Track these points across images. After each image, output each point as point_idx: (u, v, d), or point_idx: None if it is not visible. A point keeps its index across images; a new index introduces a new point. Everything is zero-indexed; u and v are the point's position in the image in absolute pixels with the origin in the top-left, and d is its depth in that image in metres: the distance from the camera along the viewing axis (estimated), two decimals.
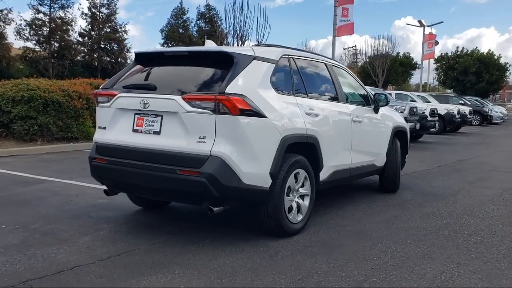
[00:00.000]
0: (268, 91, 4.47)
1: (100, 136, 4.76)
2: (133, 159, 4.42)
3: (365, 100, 6.45)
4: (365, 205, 6.25)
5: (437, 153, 13.16)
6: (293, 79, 4.97)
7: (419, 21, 39.01)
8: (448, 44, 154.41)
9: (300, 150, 4.73)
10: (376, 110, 6.50)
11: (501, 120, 34.86)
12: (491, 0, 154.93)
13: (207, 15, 47.58)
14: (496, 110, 35.30)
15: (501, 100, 65.03)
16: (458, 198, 6.91)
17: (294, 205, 4.74)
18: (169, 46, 44.49)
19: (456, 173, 9.50)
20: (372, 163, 6.41)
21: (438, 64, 44.33)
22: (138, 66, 4.95)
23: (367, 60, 39.12)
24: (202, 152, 4.10)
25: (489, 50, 43.22)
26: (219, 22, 46.21)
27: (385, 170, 6.82)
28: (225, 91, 4.08)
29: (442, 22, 38.15)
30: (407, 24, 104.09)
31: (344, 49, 69.71)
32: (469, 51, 43.44)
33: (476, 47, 44.04)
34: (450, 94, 34.74)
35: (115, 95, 4.61)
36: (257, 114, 4.23)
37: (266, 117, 4.30)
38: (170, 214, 5.62)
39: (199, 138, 4.13)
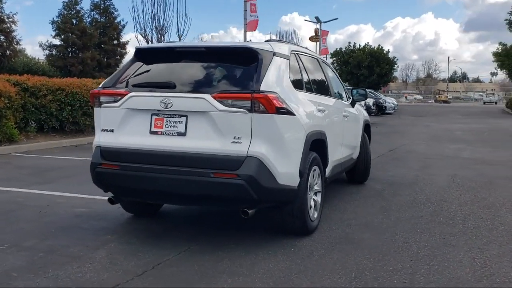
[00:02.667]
0: (290, 88, 4.38)
1: (105, 140, 4.34)
2: (153, 164, 4.09)
3: (345, 95, 6.57)
4: (349, 197, 6.38)
5: None
6: (302, 75, 4.91)
7: (316, 17, 40.44)
8: (330, 40, 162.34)
9: (313, 147, 4.70)
10: (353, 105, 6.66)
11: (393, 110, 37.49)
12: None
13: (102, 6, 45.27)
14: (389, 101, 37.94)
15: (381, 91, 69.85)
16: (421, 186, 7.30)
17: (312, 202, 4.71)
18: (62, 38, 41.73)
19: (398, 162, 10.05)
20: (351, 157, 6.56)
21: (334, 58, 46.49)
22: (139, 63, 4.57)
23: None
24: (239, 153, 3.91)
25: (379, 45, 46.26)
26: (115, 14, 44.35)
27: (357, 163, 7.01)
28: (260, 89, 3.93)
29: (337, 18, 40.31)
30: (304, 20, 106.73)
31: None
32: (361, 46, 46.13)
33: (368, 43, 46.68)
34: (349, 87, 36.61)
35: (125, 94, 4.23)
36: (288, 112, 4.13)
37: (294, 114, 4.21)
38: (166, 219, 5.31)
39: (234, 138, 3.93)
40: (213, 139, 3.98)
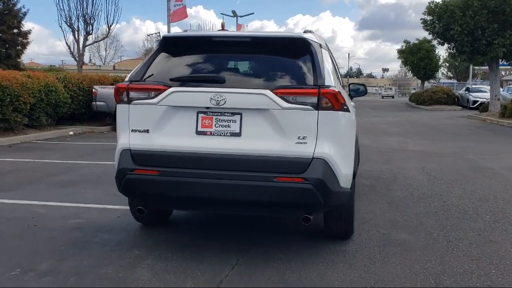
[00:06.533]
0: (338, 82, 4.08)
1: (138, 142, 3.74)
2: (202, 168, 3.60)
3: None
4: None
5: None
6: (334, 68, 4.63)
7: (233, 11, 40.28)
8: None
9: None
10: (351, 98, 6.49)
11: None
12: None
13: None
14: None
15: None
16: (404, 180, 7.33)
17: None
18: None
19: (360, 156, 10.10)
20: None
21: None
22: (166, 55, 4.00)
23: None
24: (304, 155, 3.55)
25: None
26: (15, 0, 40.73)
27: None
28: (325, 84, 3.59)
29: (253, 13, 40.59)
30: (221, 13, 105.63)
31: (148, 35, 68.99)
32: None
33: None
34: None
35: (164, 89, 3.68)
36: (347, 108, 3.84)
37: (350, 111, 3.94)
38: (181, 227, 4.79)
39: (298, 138, 3.56)
40: (274, 139, 3.58)
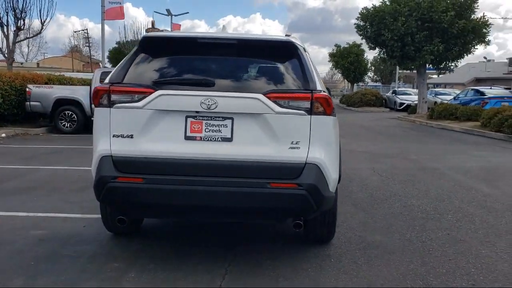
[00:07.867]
0: (324, 86, 4.07)
1: (121, 148, 3.52)
2: (191, 174, 3.45)
3: None
4: None
5: None
6: None
7: (167, 10, 39.52)
8: None
9: None
10: None
11: None
12: None
13: None
14: None
15: None
16: (361, 181, 7.47)
17: None
18: None
19: None
20: None
21: None
22: (146, 56, 3.80)
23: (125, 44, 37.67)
24: (297, 160, 3.50)
25: None
26: None
27: None
28: (316, 88, 3.57)
29: (188, 12, 39.96)
30: (155, 12, 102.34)
31: (75, 32, 66.71)
32: None
33: None
34: None
35: (150, 92, 3.49)
36: (335, 113, 3.84)
37: (336, 116, 3.94)
38: (155, 236, 4.58)
39: (292, 143, 3.50)
40: (266, 144, 3.50)
